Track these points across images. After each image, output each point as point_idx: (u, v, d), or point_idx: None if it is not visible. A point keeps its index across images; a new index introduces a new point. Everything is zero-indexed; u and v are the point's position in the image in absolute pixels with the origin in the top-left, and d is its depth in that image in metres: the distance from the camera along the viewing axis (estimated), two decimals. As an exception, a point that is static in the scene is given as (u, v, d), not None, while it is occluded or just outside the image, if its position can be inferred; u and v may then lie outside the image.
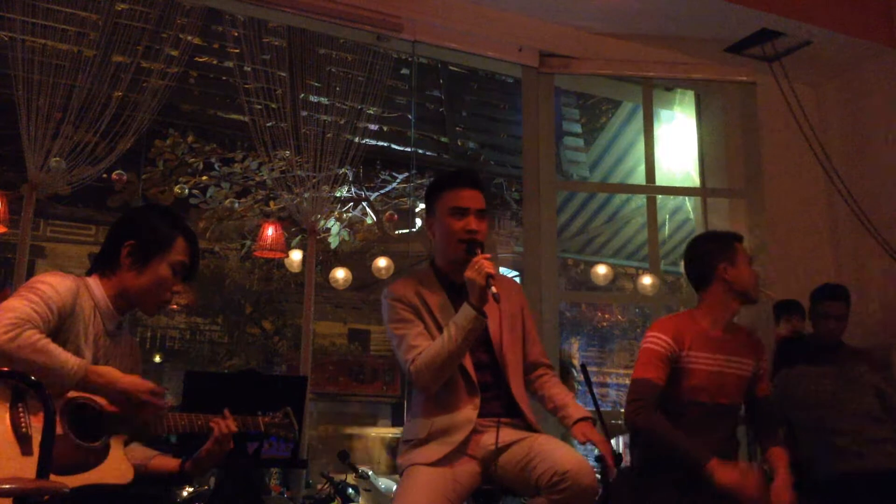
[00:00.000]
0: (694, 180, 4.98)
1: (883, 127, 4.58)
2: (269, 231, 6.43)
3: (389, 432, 13.06)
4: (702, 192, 4.87)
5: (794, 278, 4.42)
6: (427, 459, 2.31)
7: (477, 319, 2.28)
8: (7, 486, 1.64)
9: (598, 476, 2.27)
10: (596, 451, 2.35)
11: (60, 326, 1.98)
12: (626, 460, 2.89)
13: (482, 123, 8.49)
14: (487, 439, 2.35)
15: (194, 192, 8.63)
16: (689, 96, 5.00)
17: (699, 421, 2.61)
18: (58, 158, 3.97)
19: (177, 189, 8.53)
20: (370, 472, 5.93)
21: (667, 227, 6.14)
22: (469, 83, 7.83)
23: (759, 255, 4.21)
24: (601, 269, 8.09)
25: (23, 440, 1.82)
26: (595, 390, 2.59)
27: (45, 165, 3.95)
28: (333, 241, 8.94)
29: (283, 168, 5.66)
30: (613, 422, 3.99)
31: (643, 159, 4.52)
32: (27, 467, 1.78)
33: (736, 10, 4.12)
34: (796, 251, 4.64)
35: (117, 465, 1.96)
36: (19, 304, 1.90)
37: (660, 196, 4.92)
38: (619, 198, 7.21)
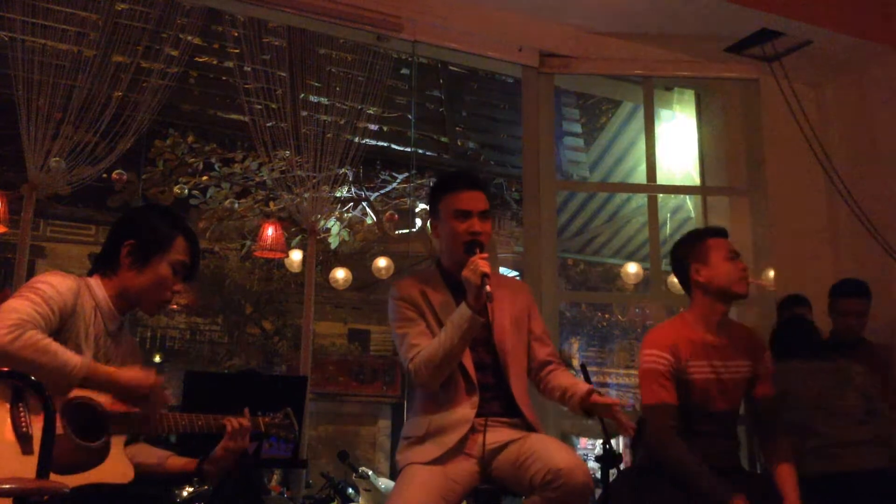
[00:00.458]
0: (694, 180, 4.98)
1: (883, 127, 4.58)
2: (269, 231, 6.44)
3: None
4: (703, 191, 4.87)
5: (795, 276, 4.42)
6: (424, 458, 2.31)
7: (473, 319, 2.28)
8: (7, 486, 1.64)
9: (596, 476, 2.28)
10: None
11: (61, 326, 1.98)
12: (626, 460, 2.88)
13: (482, 123, 8.49)
14: (486, 438, 2.34)
15: (194, 192, 8.61)
16: (689, 95, 5.00)
17: (700, 427, 2.59)
18: (58, 158, 3.98)
19: (177, 189, 8.52)
20: (370, 472, 5.91)
21: (668, 227, 6.14)
22: (469, 83, 7.84)
23: (761, 253, 4.20)
24: (631, 268, 7.65)
25: (23, 440, 1.82)
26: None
27: (45, 165, 3.95)
28: (333, 242, 8.94)
29: (283, 168, 5.66)
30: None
31: (643, 159, 4.51)
32: (27, 467, 1.78)
33: (736, 10, 4.12)
34: (797, 250, 4.64)
35: (117, 464, 1.96)
36: (21, 305, 1.90)
37: (660, 195, 4.91)
38: (619, 197, 7.21)
